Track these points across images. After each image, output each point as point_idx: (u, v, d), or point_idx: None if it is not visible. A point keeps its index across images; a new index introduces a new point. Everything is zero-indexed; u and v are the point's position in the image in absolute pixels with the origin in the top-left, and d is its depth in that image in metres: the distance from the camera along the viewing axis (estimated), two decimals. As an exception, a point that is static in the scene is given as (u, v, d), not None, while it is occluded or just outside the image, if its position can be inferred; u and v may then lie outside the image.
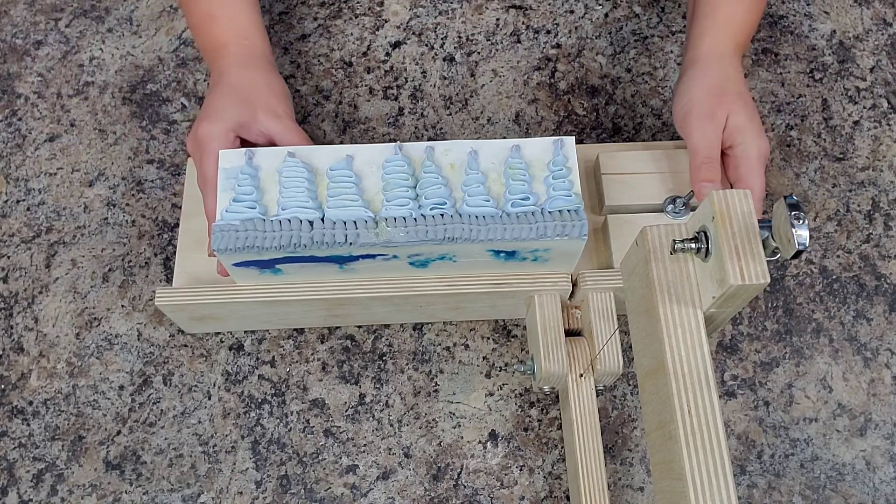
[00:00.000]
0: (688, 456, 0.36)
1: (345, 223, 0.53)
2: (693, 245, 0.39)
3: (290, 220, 0.53)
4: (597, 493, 0.54)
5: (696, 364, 0.38)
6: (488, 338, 0.65)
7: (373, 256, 0.55)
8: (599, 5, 0.80)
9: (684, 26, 0.79)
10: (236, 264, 0.55)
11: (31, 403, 0.63)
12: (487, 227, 0.53)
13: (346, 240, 0.53)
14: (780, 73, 0.76)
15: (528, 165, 0.56)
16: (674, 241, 0.40)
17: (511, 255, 0.56)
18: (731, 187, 0.59)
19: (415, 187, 0.55)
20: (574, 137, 0.57)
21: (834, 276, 0.67)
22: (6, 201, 0.71)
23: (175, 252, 0.63)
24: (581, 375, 0.58)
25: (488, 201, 0.54)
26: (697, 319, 0.39)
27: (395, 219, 0.53)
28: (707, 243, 0.39)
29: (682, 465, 0.36)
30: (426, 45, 0.78)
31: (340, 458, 0.61)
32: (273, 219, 0.53)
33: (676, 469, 0.37)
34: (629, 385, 0.63)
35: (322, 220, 0.53)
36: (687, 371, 0.38)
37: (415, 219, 0.53)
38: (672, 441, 0.37)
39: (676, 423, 0.37)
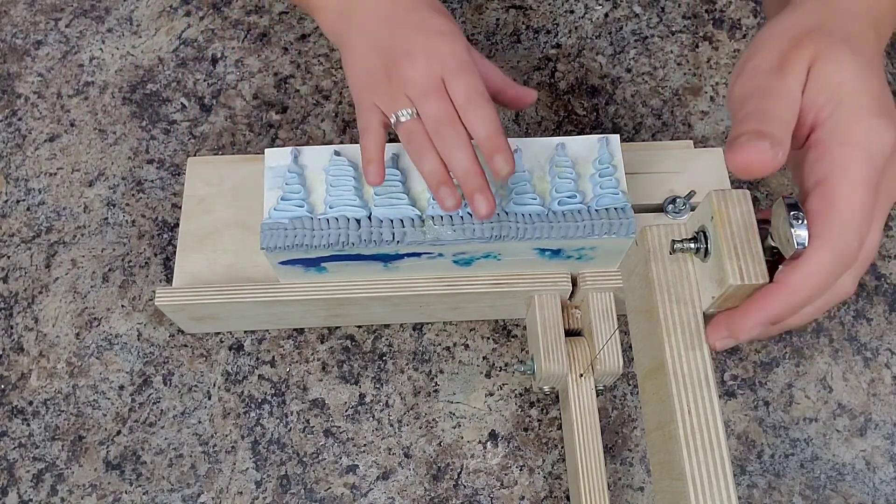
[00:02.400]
0: (688, 456, 0.37)
1: (392, 221, 0.53)
2: (692, 245, 0.39)
3: (337, 219, 0.53)
4: (597, 492, 0.54)
5: (696, 364, 0.38)
6: (488, 338, 0.65)
7: (418, 255, 0.55)
8: (599, 5, 0.80)
9: (684, 26, 0.79)
10: (282, 262, 0.55)
11: (31, 403, 0.63)
12: (535, 226, 0.53)
13: (393, 238, 0.53)
14: (780, 73, 0.76)
15: (573, 163, 0.56)
16: (673, 241, 0.40)
17: (556, 253, 0.56)
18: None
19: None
20: (619, 136, 0.57)
21: (834, 276, 0.67)
22: (6, 201, 0.71)
23: (175, 252, 0.63)
24: (581, 375, 0.58)
25: (535, 199, 0.54)
26: (697, 319, 0.39)
27: (441, 217, 0.53)
28: (706, 243, 0.38)
29: (682, 465, 0.36)
30: (426, 45, 0.77)
31: (340, 458, 0.61)
32: (321, 217, 0.54)
33: (676, 469, 0.37)
34: (629, 385, 0.63)
35: (369, 218, 0.54)
36: (687, 371, 0.38)
37: (461, 217, 0.53)
38: (672, 441, 0.38)
39: (676, 423, 0.37)
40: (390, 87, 0.50)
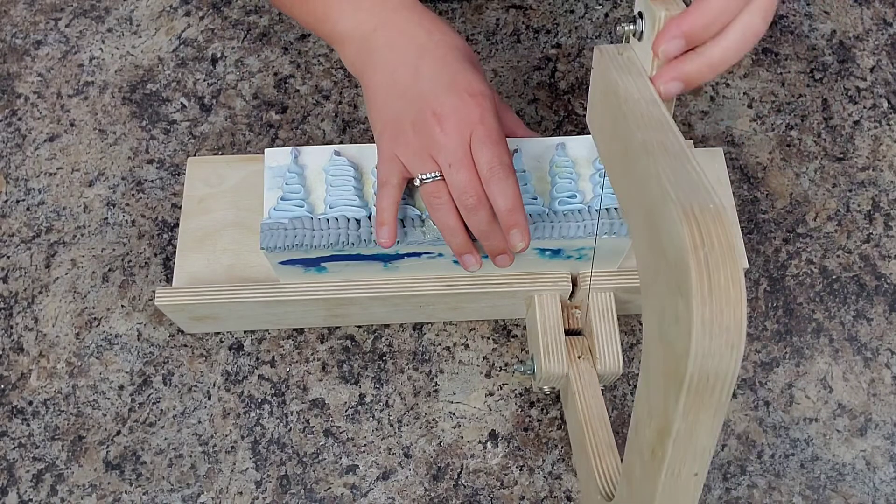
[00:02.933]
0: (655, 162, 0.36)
1: None
2: (632, 26, 0.41)
3: (337, 219, 0.53)
4: (604, 446, 0.54)
5: (653, 114, 0.38)
6: (488, 338, 0.65)
7: (418, 255, 0.55)
8: (599, 5, 0.80)
9: (684, 26, 0.79)
10: (282, 262, 0.55)
11: (31, 403, 0.63)
12: (535, 226, 0.53)
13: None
14: (780, 73, 0.76)
15: (573, 163, 0.56)
16: (616, 22, 0.41)
17: (556, 253, 0.56)
18: None
19: None
20: None
21: (834, 276, 0.67)
22: (6, 201, 0.71)
23: (175, 252, 0.63)
24: (580, 357, 0.57)
25: (535, 199, 0.54)
26: (648, 88, 0.40)
27: None
28: (643, 20, 0.40)
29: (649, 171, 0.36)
30: (426, 44, 0.77)
31: (340, 458, 0.61)
32: (321, 217, 0.54)
33: (652, 180, 0.36)
34: (629, 385, 0.63)
35: (369, 218, 0.54)
36: (645, 113, 0.38)
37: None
38: (637, 161, 0.37)
39: (639, 145, 0.37)
40: (417, 144, 0.50)
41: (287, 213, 0.54)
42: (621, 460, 0.51)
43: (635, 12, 0.41)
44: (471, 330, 0.65)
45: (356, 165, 0.55)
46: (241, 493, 0.60)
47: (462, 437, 0.62)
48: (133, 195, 0.70)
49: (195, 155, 0.72)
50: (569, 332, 0.60)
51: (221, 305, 0.59)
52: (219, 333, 0.65)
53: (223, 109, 0.74)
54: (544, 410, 0.62)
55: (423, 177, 0.50)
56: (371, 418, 0.62)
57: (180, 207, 0.67)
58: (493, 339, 0.65)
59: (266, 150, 0.56)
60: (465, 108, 0.48)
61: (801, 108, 0.74)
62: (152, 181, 0.71)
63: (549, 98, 0.75)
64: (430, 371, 0.64)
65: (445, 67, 0.50)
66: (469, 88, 0.49)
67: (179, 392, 0.63)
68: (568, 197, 0.54)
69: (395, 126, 0.50)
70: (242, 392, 0.63)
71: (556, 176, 0.55)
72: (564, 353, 0.56)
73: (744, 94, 0.75)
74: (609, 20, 0.79)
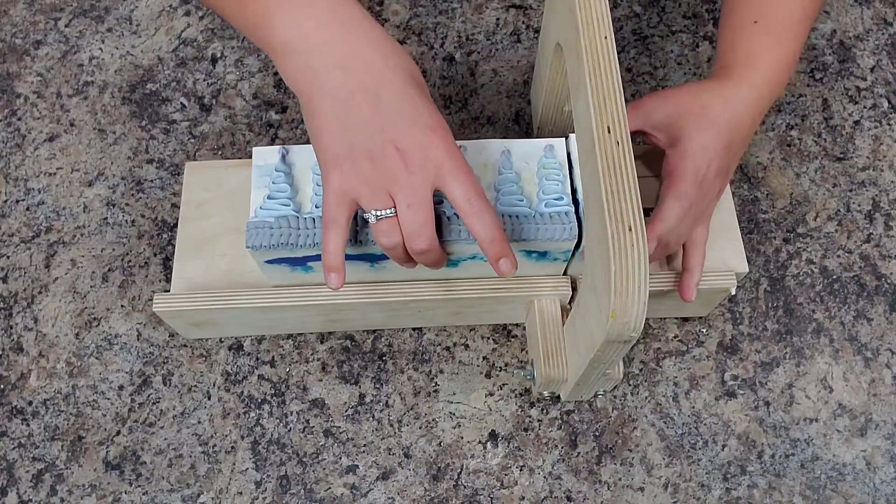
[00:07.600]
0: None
1: None
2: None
3: None
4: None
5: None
6: (488, 338, 0.65)
7: None
8: (599, 5, 0.79)
9: (684, 26, 0.78)
10: (268, 261, 0.55)
11: (30, 403, 0.63)
12: (521, 228, 0.53)
13: None
14: (781, 73, 0.76)
15: (561, 165, 0.55)
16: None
17: (543, 255, 0.56)
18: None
19: None
20: None
21: (834, 276, 0.67)
22: (6, 201, 0.71)
23: (174, 252, 0.63)
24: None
25: (522, 201, 0.54)
26: None
27: None
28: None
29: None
30: (426, 44, 0.77)
31: (340, 458, 0.61)
32: (307, 216, 0.53)
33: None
34: (629, 385, 0.63)
35: (355, 218, 0.53)
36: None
37: (448, 217, 0.52)
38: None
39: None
40: (374, 179, 0.46)
41: (273, 211, 0.53)
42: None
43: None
44: (471, 330, 0.65)
45: None
46: (241, 493, 0.60)
47: (462, 437, 0.62)
48: (133, 195, 0.70)
49: (195, 154, 0.72)
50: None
51: (219, 311, 0.58)
52: (219, 333, 0.65)
53: (223, 109, 0.74)
54: (544, 410, 0.62)
55: (378, 213, 0.47)
56: (371, 418, 0.62)
57: (180, 207, 0.67)
58: (493, 340, 0.65)
59: (254, 148, 0.56)
60: (430, 144, 0.46)
61: (801, 107, 0.74)
62: (152, 181, 0.71)
63: (549, 98, 0.75)
64: (430, 371, 0.64)
65: (406, 99, 0.47)
66: (430, 123, 0.47)
67: (179, 392, 0.63)
68: (555, 199, 0.54)
69: (349, 158, 0.46)
70: (242, 392, 0.63)
71: (543, 178, 0.55)
72: (565, 359, 0.56)
73: (744, 93, 0.75)
74: (609, 20, 0.79)
